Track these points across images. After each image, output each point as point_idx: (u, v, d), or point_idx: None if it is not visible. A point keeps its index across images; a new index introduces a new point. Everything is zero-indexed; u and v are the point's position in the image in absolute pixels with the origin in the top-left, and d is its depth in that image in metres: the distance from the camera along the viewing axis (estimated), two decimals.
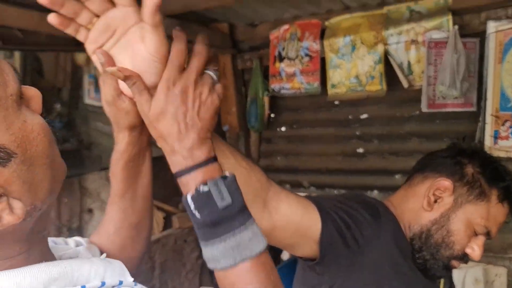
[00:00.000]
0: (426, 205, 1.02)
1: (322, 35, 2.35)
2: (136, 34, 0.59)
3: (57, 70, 3.33)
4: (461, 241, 1.01)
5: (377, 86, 2.23)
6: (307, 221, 0.89)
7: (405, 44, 2.16)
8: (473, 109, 2.10)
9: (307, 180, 2.67)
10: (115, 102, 0.66)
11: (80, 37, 0.61)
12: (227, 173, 0.59)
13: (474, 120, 2.09)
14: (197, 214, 0.57)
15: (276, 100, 2.64)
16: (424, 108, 2.10)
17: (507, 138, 2.04)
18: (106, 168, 2.09)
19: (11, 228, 0.45)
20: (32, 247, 0.51)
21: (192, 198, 0.57)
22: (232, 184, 0.58)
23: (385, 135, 2.39)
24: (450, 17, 2.04)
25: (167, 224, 2.38)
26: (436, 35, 2.08)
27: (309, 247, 0.91)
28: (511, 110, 2.01)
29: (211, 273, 2.71)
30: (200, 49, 0.61)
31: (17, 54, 2.90)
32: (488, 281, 2.05)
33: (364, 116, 2.45)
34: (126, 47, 0.60)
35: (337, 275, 0.95)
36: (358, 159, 2.48)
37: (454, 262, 1.03)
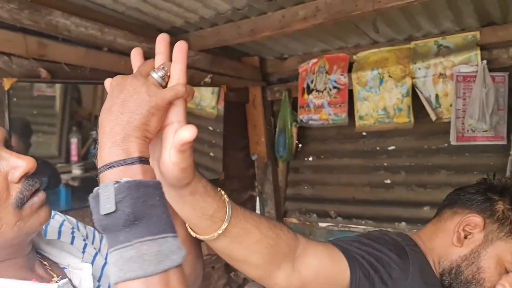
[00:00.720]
0: (456, 241, 1.02)
1: (349, 68, 2.41)
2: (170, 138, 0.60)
3: (94, 99, 3.51)
4: (491, 278, 0.99)
5: (405, 118, 2.25)
6: (336, 270, 0.89)
7: (433, 78, 2.19)
8: (504, 142, 2.09)
9: (333, 209, 2.68)
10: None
11: None
12: (124, 180, 0.52)
13: (505, 154, 2.08)
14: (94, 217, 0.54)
15: (304, 130, 2.70)
16: (453, 140, 2.11)
17: None
18: None
19: None
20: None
21: (90, 198, 0.54)
22: (121, 192, 0.51)
23: (413, 167, 2.39)
24: (478, 51, 2.07)
25: None
26: (465, 69, 2.11)
27: None
28: None
29: None
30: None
31: (58, 85, 3.08)
32: None
33: (391, 147, 2.46)
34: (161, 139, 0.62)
35: None
36: (386, 190, 2.48)
37: None
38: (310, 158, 2.75)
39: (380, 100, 2.32)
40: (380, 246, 0.99)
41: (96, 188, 0.52)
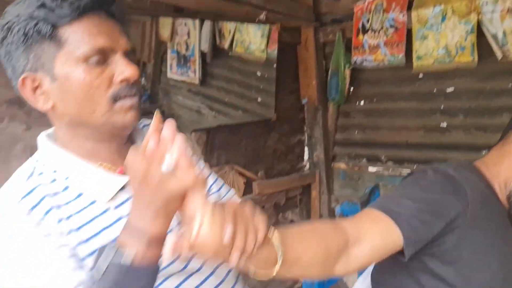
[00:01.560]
0: None
1: (409, 5, 2.30)
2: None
3: (143, 46, 3.54)
4: None
5: (468, 57, 2.16)
6: (389, 243, 0.89)
7: (501, 14, 2.07)
8: None
9: (384, 154, 2.65)
10: None
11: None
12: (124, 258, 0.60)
13: None
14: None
15: (356, 73, 2.64)
16: None
17: None
18: (196, 130, 2.22)
19: (52, 113, 0.78)
20: (77, 137, 0.79)
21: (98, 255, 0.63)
22: (114, 266, 0.60)
23: (473, 110, 2.31)
24: None
25: (247, 189, 2.48)
26: None
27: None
28: None
29: None
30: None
31: None
32: None
33: (450, 89, 2.38)
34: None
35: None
36: (441, 133, 2.42)
37: None
38: (362, 102, 2.70)
39: (441, 39, 2.22)
40: (431, 193, 0.97)
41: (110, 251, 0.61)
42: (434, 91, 2.43)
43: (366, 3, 2.44)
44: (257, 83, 3.06)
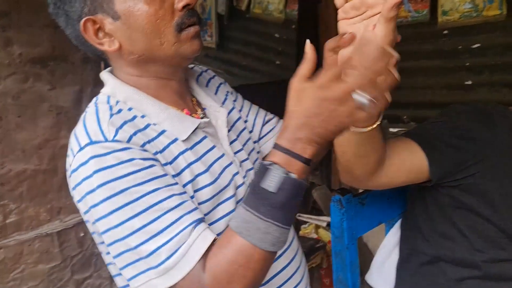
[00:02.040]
0: None
1: None
2: (374, 21, 0.70)
3: None
4: None
5: (496, 10, 2.08)
6: (416, 161, 0.95)
7: None
8: None
9: (407, 114, 2.61)
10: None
11: (338, 2, 0.73)
12: (293, 176, 0.64)
13: None
14: (254, 183, 0.66)
15: None
16: None
17: None
18: None
19: (118, 53, 0.78)
20: (142, 76, 0.80)
21: (259, 163, 0.66)
22: (289, 184, 0.63)
23: (499, 66, 2.24)
24: None
25: None
26: None
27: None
28: None
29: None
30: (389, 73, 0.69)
31: None
32: None
33: (475, 45, 2.30)
34: (363, 27, 0.71)
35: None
36: (466, 91, 2.37)
37: None
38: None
39: None
40: (459, 121, 1.00)
41: (268, 162, 0.64)
42: (459, 47, 2.35)
43: None
44: (276, 45, 3.02)
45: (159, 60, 0.77)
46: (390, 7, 0.66)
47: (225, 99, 0.98)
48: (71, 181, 0.73)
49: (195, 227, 0.67)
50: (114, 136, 0.69)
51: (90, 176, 0.68)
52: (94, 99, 0.81)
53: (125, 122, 0.73)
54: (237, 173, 0.85)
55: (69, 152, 0.75)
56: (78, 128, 0.74)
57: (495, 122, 0.98)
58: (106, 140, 0.69)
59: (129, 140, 0.70)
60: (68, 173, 0.75)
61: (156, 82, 0.81)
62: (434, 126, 1.02)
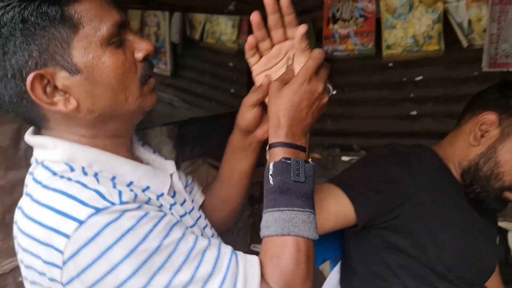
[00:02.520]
0: (473, 140, 1.03)
1: None
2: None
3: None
4: (510, 172, 1.00)
5: (435, 46, 2.19)
6: (341, 207, 0.97)
7: (467, 2, 2.10)
8: None
9: (357, 143, 2.68)
10: (253, 106, 0.82)
11: (252, 61, 0.80)
12: (310, 161, 0.69)
13: None
14: (271, 180, 0.66)
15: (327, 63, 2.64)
16: (485, 67, 2.05)
17: None
18: (167, 124, 2.19)
19: (72, 115, 0.65)
20: (97, 137, 0.70)
21: (274, 164, 0.67)
22: (310, 169, 0.68)
23: (441, 97, 2.35)
24: None
25: None
26: None
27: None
28: None
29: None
30: (327, 65, 0.73)
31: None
32: None
33: (419, 78, 2.41)
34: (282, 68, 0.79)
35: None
36: (411, 121, 2.46)
37: (508, 194, 1.03)
38: (334, 92, 2.71)
39: (409, 28, 2.24)
40: (381, 164, 1.03)
41: (283, 158, 0.67)
42: (404, 79, 2.46)
43: None
44: (230, 74, 3.03)
45: (121, 116, 0.68)
46: (300, 38, 0.72)
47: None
48: (71, 269, 0.56)
49: (235, 255, 0.64)
50: (120, 198, 0.58)
51: (109, 249, 0.55)
52: (44, 173, 0.64)
53: (115, 185, 0.63)
54: (199, 217, 0.82)
55: (45, 238, 0.57)
56: (57, 204, 0.58)
57: (413, 165, 1.01)
58: (114, 204, 0.57)
59: (135, 199, 0.61)
60: (58, 260, 0.57)
61: (112, 142, 0.71)
62: (356, 171, 1.05)
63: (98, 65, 0.63)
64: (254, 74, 0.81)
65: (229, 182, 0.93)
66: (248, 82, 2.67)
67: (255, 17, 0.74)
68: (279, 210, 0.65)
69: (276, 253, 0.64)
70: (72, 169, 0.64)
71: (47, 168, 0.65)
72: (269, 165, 0.67)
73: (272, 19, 0.75)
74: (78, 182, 0.60)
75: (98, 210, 0.56)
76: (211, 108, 3.09)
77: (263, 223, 0.67)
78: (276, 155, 0.68)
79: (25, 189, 0.68)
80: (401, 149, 1.07)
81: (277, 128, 0.69)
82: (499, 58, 2.05)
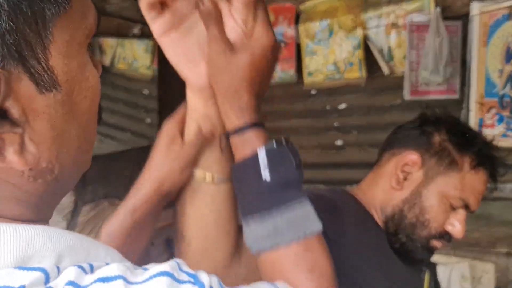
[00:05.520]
0: (395, 184, 0.93)
1: (297, 19, 2.21)
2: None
3: None
4: (437, 218, 0.92)
5: (356, 73, 2.10)
6: None
7: (386, 28, 2.04)
8: (457, 96, 2.00)
9: None
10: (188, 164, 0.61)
11: (150, 15, 0.56)
12: (282, 142, 0.53)
13: (457, 107, 1.99)
14: (267, 174, 0.50)
15: None
16: (407, 95, 1.99)
17: (492, 126, 1.94)
18: None
19: (13, 178, 0.34)
20: (38, 221, 0.37)
21: (268, 153, 0.50)
22: (295, 148, 0.53)
23: (365, 126, 2.27)
24: None
25: None
26: (418, 18, 1.97)
27: None
28: (496, 96, 1.91)
29: None
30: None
31: None
32: (475, 278, 1.95)
33: (342, 106, 2.31)
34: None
35: None
36: (337, 151, 2.35)
37: (435, 242, 0.94)
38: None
39: (330, 54, 2.14)
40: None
41: (277, 143, 0.51)
42: (328, 108, 2.35)
43: None
44: (146, 102, 2.80)
45: (74, 178, 0.44)
46: None
47: None
48: None
49: None
50: None
51: None
52: None
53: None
54: None
55: None
56: None
57: (342, 211, 0.91)
58: None
59: None
60: None
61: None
62: None
63: (81, 82, 0.37)
64: (156, 35, 0.58)
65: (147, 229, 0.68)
66: (163, 111, 2.45)
67: None
68: (288, 207, 0.50)
69: (309, 264, 0.50)
70: (46, 276, 0.33)
71: None
72: (255, 156, 0.50)
73: None
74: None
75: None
76: (125, 140, 2.83)
77: (266, 231, 0.50)
78: (250, 142, 0.51)
79: None
80: (328, 194, 0.95)
81: (240, 105, 0.52)
82: (420, 86, 2.00)
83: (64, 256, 0.35)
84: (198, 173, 0.60)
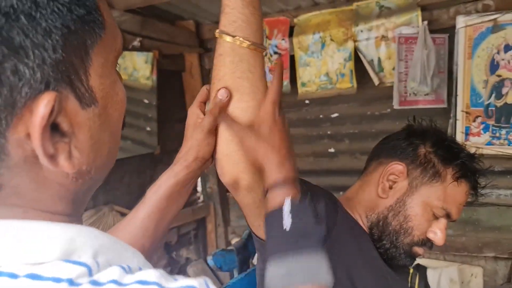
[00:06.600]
0: (381, 192, 0.97)
1: (291, 32, 2.28)
2: None
3: None
4: (420, 226, 0.96)
5: (348, 84, 2.17)
6: None
7: (375, 41, 2.12)
8: (444, 105, 2.07)
9: None
10: (210, 132, 0.73)
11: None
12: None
13: (445, 117, 2.06)
14: (288, 223, 0.59)
15: None
16: (396, 105, 2.06)
17: (478, 134, 2.01)
18: None
19: (60, 179, 0.41)
20: (72, 216, 0.45)
21: (292, 204, 0.60)
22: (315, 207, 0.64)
23: (357, 134, 2.34)
24: (419, 12, 2.02)
25: None
26: (406, 30, 2.05)
27: None
28: (482, 105, 1.99)
29: None
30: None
31: None
32: (463, 282, 2.01)
33: (335, 115, 2.39)
34: None
35: None
36: (330, 159, 2.41)
37: (417, 249, 0.98)
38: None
39: (322, 65, 2.22)
40: (319, 203, 0.93)
41: (300, 199, 0.62)
42: (321, 116, 2.43)
43: None
44: (145, 111, 2.86)
45: (100, 181, 0.49)
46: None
47: None
48: None
49: None
50: None
51: None
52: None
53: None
54: None
55: None
56: None
57: (339, 210, 0.95)
58: None
59: None
60: None
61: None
62: None
63: (113, 97, 0.44)
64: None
65: (152, 233, 0.75)
66: (161, 121, 2.52)
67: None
68: (303, 256, 0.58)
69: None
70: (89, 270, 0.39)
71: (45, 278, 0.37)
72: (281, 208, 0.61)
73: None
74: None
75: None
76: (125, 147, 2.89)
77: (279, 273, 0.58)
78: (282, 194, 0.62)
79: None
80: (329, 192, 0.99)
81: (281, 162, 0.65)
82: (408, 96, 2.07)
83: (99, 253, 0.41)
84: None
